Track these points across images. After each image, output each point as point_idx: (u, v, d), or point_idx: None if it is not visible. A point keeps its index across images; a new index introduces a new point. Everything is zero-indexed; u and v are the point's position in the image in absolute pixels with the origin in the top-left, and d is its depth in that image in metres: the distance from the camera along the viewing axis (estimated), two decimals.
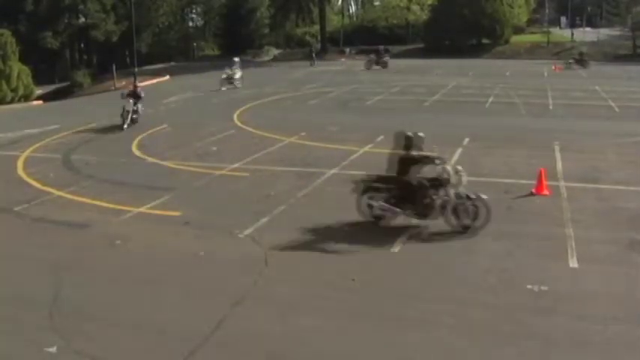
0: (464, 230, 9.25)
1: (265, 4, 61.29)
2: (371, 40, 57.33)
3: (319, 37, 59.37)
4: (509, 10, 52.41)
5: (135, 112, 19.74)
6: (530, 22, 65.60)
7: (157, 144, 16.83)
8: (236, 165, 13.94)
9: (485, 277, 7.73)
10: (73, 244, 9.29)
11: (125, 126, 19.06)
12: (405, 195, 9.54)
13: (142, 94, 20.64)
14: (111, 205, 11.06)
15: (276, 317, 6.73)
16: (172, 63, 51.29)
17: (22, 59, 34.26)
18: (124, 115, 19.21)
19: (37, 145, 17.24)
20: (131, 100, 19.78)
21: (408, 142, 9.65)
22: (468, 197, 9.36)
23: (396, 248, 8.71)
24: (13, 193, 12.16)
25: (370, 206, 9.74)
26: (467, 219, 9.30)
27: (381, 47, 44.15)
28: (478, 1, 50.80)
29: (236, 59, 31.29)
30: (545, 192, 11.19)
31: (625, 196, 11.15)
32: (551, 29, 59.55)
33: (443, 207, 9.36)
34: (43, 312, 6.92)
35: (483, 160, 14.10)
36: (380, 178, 9.83)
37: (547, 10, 62.33)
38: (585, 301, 7.04)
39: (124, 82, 36.15)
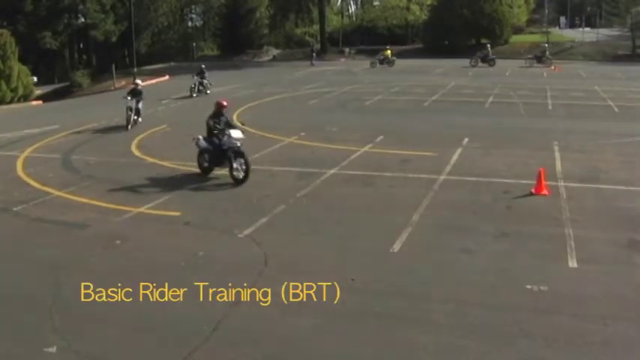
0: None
1: (265, 4, 61.11)
2: (371, 40, 57.37)
3: (319, 37, 59.34)
4: (508, 10, 52.37)
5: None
6: (530, 22, 65.59)
7: (156, 144, 16.84)
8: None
9: (485, 277, 7.73)
10: (73, 244, 9.29)
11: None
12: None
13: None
14: (110, 205, 11.06)
15: (276, 317, 6.73)
16: (172, 63, 51.28)
17: (22, 59, 34.26)
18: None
19: (37, 145, 17.24)
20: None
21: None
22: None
23: (396, 248, 8.71)
24: (13, 193, 12.16)
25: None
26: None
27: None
28: (477, 1, 50.73)
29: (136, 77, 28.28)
30: (545, 192, 11.19)
31: (625, 196, 11.15)
32: (551, 29, 59.56)
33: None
34: (43, 312, 6.92)
35: (483, 160, 14.11)
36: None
37: (546, 10, 62.32)
38: (585, 301, 7.04)
39: (123, 82, 36.13)
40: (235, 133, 12.55)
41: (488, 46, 43.59)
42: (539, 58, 41.61)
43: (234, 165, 12.27)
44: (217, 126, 12.72)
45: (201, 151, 12.97)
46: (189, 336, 6.32)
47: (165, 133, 18.73)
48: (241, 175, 12.24)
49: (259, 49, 57.63)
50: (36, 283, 7.79)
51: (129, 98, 19.68)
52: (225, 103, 13.15)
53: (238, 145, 12.37)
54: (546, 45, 44.13)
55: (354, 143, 15.90)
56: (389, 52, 43.38)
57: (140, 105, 19.93)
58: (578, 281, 7.59)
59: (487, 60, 41.84)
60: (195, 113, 22.71)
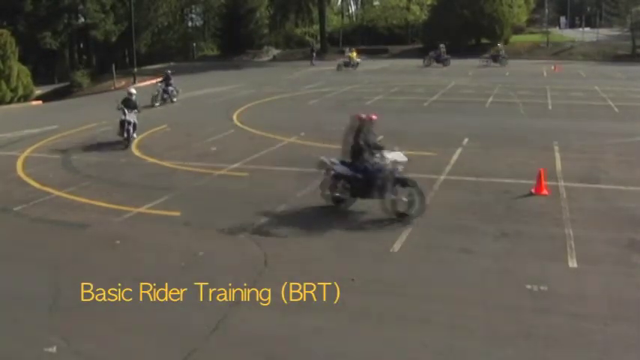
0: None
1: (265, 4, 61.16)
2: (371, 40, 57.36)
3: (319, 37, 59.38)
4: (508, 10, 52.36)
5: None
6: (530, 22, 65.60)
7: (156, 144, 16.82)
8: (236, 165, 13.95)
9: (485, 277, 7.73)
10: (73, 244, 9.29)
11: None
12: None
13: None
14: (111, 205, 11.06)
15: (276, 317, 6.73)
16: (172, 63, 51.26)
17: (22, 59, 34.25)
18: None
19: (37, 145, 17.24)
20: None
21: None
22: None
23: (396, 248, 8.72)
24: (13, 194, 12.16)
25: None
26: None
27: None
28: (477, 1, 50.75)
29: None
30: (545, 192, 11.19)
31: (625, 196, 11.15)
32: (551, 29, 59.56)
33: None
34: (43, 312, 6.92)
35: (483, 160, 14.10)
36: None
37: (546, 10, 62.32)
38: (585, 301, 7.04)
39: (123, 82, 36.14)
40: (399, 156, 10.01)
41: (442, 46, 43.58)
42: (495, 58, 41.88)
43: (402, 197, 9.81)
44: (379, 146, 10.17)
45: (336, 178, 10.33)
46: (189, 336, 6.32)
47: (165, 133, 18.72)
48: (413, 208, 9.79)
49: (259, 49, 57.66)
50: (36, 283, 7.79)
51: (126, 111, 16.68)
52: (374, 117, 10.35)
53: (399, 170, 10.00)
54: (500, 45, 43.98)
55: None
56: (354, 53, 41.92)
57: (135, 119, 16.92)
58: (578, 281, 7.59)
59: (441, 60, 41.97)
60: (196, 113, 22.75)
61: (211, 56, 59.64)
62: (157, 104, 24.81)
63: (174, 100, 25.87)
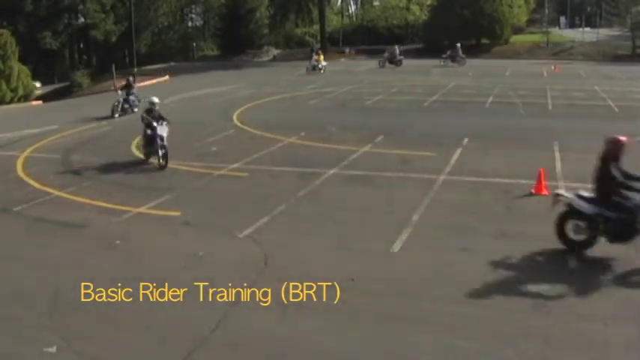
0: None
1: (265, 4, 61.27)
2: (371, 40, 57.36)
3: (319, 37, 59.42)
4: (508, 10, 52.36)
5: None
6: (530, 22, 65.61)
7: None
8: (236, 165, 13.95)
9: (485, 277, 7.73)
10: (73, 244, 9.30)
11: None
12: None
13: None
14: (110, 205, 11.06)
15: (276, 317, 6.73)
16: (172, 63, 51.28)
17: (22, 59, 34.29)
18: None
19: (37, 145, 17.25)
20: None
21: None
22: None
23: (396, 248, 8.71)
24: (13, 194, 12.17)
25: None
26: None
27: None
28: (477, 1, 50.76)
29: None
30: (545, 192, 11.19)
31: None
32: (551, 29, 59.58)
33: None
34: (43, 312, 6.92)
35: (483, 160, 14.09)
36: None
37: (546, 10, 62.33)
38: (585, 301, 7.04)
39: (123, 82, 36.10)
40: None
41: (396, 47, 43.66)
42: (453, 58, 42.06)
43: None
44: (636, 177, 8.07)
45: (571, 216, 8.34)
46: (189, 336, 6.32)
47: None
48: None
49: (259, 49, 57.71)
50: (36, 283, 7.78)
51: (155, 124, 14.19)
52: (624, 140, 8.41)
53: None
54: (458, 45, 43.62)
55: (354, 143, 15.90)
56: (321, 57, 40.60)
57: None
58: (578, 281, 7.59)
59: (394, 61, 42.20)
60: (195, 113, 22.74)
61: (211, 56, 59.67)
62: (117, 115, 22.24)
63: (136, 110, 22.41)
